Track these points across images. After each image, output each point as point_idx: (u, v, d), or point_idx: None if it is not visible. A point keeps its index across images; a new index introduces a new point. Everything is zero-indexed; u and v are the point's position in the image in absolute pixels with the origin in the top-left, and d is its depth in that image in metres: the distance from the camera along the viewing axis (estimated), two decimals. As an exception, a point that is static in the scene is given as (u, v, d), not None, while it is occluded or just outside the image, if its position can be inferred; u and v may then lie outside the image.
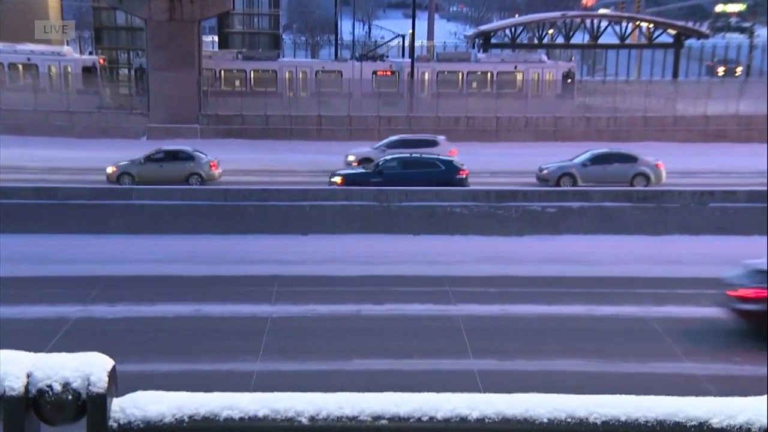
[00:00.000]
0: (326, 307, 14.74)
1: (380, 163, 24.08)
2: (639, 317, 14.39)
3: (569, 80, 43.22)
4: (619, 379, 11.54)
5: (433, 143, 28.97)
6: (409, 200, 20.11)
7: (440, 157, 24.84)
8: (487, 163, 31.75)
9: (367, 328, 13.87)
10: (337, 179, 23.51)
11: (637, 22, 51.48)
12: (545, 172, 25.88)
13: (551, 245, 19.05)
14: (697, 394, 1.21)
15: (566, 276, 16.93)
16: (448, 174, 23.56)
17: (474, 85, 42.60)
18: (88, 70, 41.12)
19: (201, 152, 26.67)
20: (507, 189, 21.08)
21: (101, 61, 43.72)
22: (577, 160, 26.20)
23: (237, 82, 42.54)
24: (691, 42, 52.46)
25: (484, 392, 1.21)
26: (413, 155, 25.38)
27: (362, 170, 24.05)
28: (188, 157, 26.05)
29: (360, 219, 19.89)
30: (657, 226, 19.81)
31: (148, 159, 25.85)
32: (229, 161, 30.47)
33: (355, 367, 12.05)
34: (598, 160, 25.99)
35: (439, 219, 19.88)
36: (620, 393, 1.23)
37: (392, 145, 29.00)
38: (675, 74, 49.53)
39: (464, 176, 23.84)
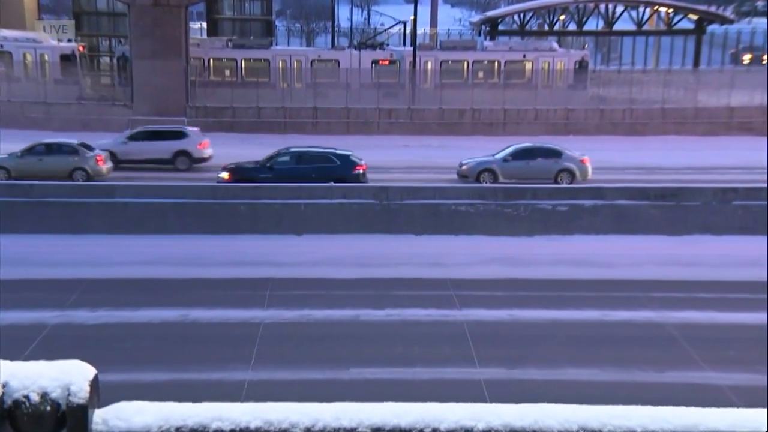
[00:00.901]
0: (322, 312, 14.75)
1: (272, 158, 23.96)
2: (656, 323, 14.40)
3: (582, 70, 43.20)
4: (634, 389, 11.54)
5: (181, 135, 28.41)
6: (411, 198, 20.12)
7: (336, 151, 24.70)
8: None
9: (365, 334, 13.88)
10: (225, 174, 23.31)
11: (656, 7, 51.42)
12: (465, 167, 26.01)
13: (562, 246, 19.04)
14: (719, 406, 1.21)
15: (578, 279, 16.93)
16: (343, 169, 23.51)
17: (480, 75, 42.59)
18: (67, 59, 41.03)
19: (87, 146, 25.99)
20: (515, 186, 21.09)
21: (81, 48, 43.64)
22: (499, 155, 26.37)
23: (227, 72, 42.53)
24: (714, 28, 52.38)
25: (491, 403, 1.22)
26: (308, 149, 25.23)
27: (253, 165, 23.96)
28: (72, 151, 25.39)
29: (358, 218, 19.89)
30: (676, 226, 19.81)
31: (27, 152, 25.13)
32: (219, 156, 30.46)
33: (353, 376, 12.05)
34: (521, 155, 26.14)
35: (442, 218, 19.88)
36: (636, 404, 1.23)
37: (135, 137, 28.21)
38: (696, 63, 49.49)
39: (361, 172, 23.78)
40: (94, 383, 1.17)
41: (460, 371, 12.25)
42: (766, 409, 1.16)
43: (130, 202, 19.93)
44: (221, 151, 32.57)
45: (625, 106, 39.86)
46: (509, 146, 26.96)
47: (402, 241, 19.13)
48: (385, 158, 31.39)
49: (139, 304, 14.94)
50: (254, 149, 30.69)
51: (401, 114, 39.21)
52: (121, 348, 12.91)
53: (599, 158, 31.74)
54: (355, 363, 12.49)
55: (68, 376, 1.15)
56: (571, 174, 25.54)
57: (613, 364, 12.54)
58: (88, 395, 1.14)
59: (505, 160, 25.86)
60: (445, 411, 1.16)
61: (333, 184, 21.20)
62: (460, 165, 26.22)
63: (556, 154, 26.14)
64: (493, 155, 26.41)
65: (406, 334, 13.83)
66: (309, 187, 21.15)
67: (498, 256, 18.28)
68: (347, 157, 24.28)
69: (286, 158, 24.05)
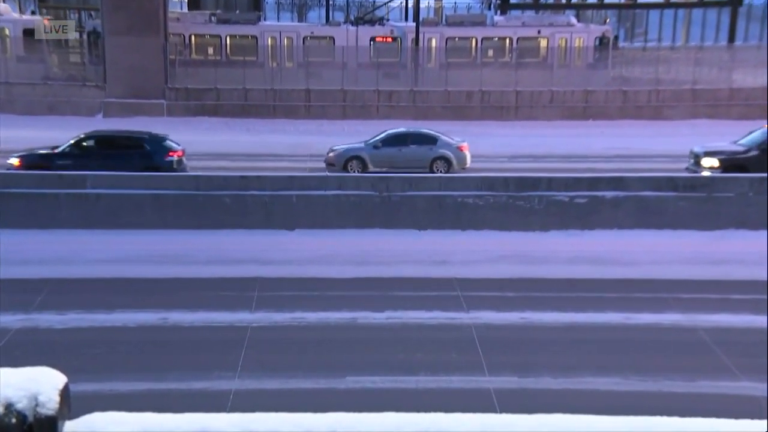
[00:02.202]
0: (316, 314, 14.77)
1: (75, 142, 23.79)
2: (685, 327, 14.42)
3: (603, 47, 43.13)
4: (661, 399, 11.58)
5: None
6: (414, 189, 20.12)
7: (148, 135, 24.69)
8: (504, 146, 31.81)
9: (363, 339, 13.90)
10: (14, 161, 23.10)
11: (685, -23, 51.33)
12: (331, 155, 26.48)
13: (581, 242, 19.05)
14: (754, 418, 1.21)
15: (598, 278, 16.94)
16: (153, 156, 23.55)
17: (490, 53, 42.56)
18: (31, 34, 40.93)
19: None
20: (529, 176, 21.07)
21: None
22: (370, 142, 26.85)
23: (210, 50, 42.48)
24: (751, -2, 52.21)
25: (502, 414, 1.22)
26: (115, 132, 25.05)
27: (49, 151, 23.64)
28: None
29: (355, 211, 19.89)
30: (707, 220, 19.79)
31: None
32: (200, 143, 30.47)
33: (349, 385, 12.08)
34: (392, 141, 26.66)
35: (448, 211, 19.88)
36: (663, 415, 1.24)
37: None
38: (731, 38, 49.40)
39: (175, 158, 23.85)
40: (65, 392, 1.17)
41: (468, 379, 12.28)
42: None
43: (103, 193, 19.90)
44: (206, 138, 32.49)
45: (651, 88, 39.84)
46: (382, 132, 27.32)
47: (404, 237, 19.14)
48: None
49: (113, 307, 14.95)
50: (241, 135, 30.77)
51: (403, 97, 39.21)
52: (93, 355, 12.92)
53: (620, 145, 31.82)
54: (351, 371, 12.51)
55: (36, 385, 1.15)
56: (448, 162, 26.22)
57: (637, 372, 12.55)
58: (57, 406, 1.14)
59: (375, 147, 26.46)
60: (451, 422, 1.17)
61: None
62: (329, 152, 26.62)
63: (430, 140, 26.71)
64: (365, 142, 26.87)
65: (408, 338, 13.85)
66: (301, 177, 21.14)
67: (509, 253, 18.29)
68: (160, 141, 24.34)
69: (90, 143, 24.03)
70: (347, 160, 26.14)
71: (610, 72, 42.25)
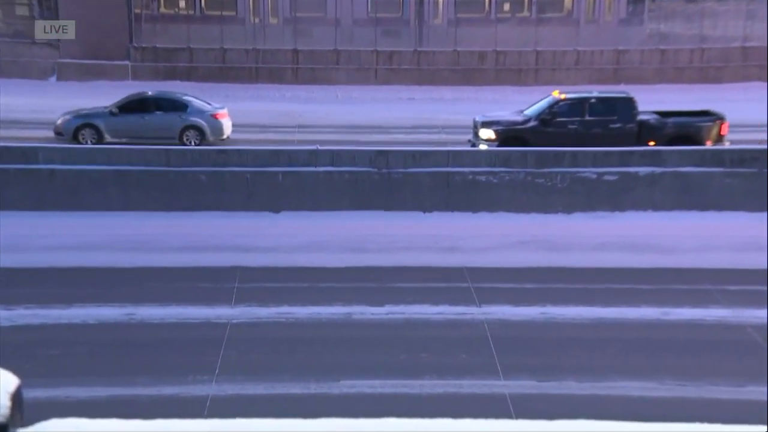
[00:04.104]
0: (305, 309, 14.80)
1: None
2: (732, 324, 14.44)
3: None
4: (703, 407, 11.60)
5: None
6: (418, 165, 20.11)
7: None
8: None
9: (360, 337, 13.94)
10: None
11: None
12: (60, 122, 26.11)
13: (610, 225, 19.06)
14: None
15: (631, 267, 16.96)
16: None
17: (506, 7, 42.32)
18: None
19: None
20: (550, 150, 21.06)
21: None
22: (108, 107, 26.49)
23: (182, 3, 42.23)
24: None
25: (518, 420, 1.23)
26: None
27: None
28: None
29: (351, 190, 19.90)
30: (758, 200, 19.78)
31: None
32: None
33: (344, 390, 12.12)
34: (133, 107, 26.44)
35: (457, 190, 19.89)
36: (707, 423, 1.24)
37: None
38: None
39: None
40: (17, 396, 1.18)
41: (480, 384, 12.33)
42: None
43: (58, 169, 19.88)
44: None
45: (695, 46, 39.64)
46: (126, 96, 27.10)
47: (406, 220, 19.15)
48: (384, 115, 31.36)
49: (71, 301, 14.97)
50: (219, 103, 30.56)
51: (405, 58, 39.04)
52: (48, 356, 12.95)
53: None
54: (347, 373, 12.55)
55: (-17, 386, 1.16)
56: (200, 132, 26.06)
57: (675, 376, 12.59)
58: (8, 411, 1.15)
59: (111, 113, 26.15)
60: (460, 428, 1.18)
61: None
62: (59, 117, 26.27)
63: (180, 106, 26.60)
64: (105, 107, 26.48)
65: (412, 337, 13.90)
66: (289, 151, 21.09)
67: (528, 238, 18.31)
68: None
69: None
70: (78, 128, 25.61)
71: (646, 28, 42.03)
